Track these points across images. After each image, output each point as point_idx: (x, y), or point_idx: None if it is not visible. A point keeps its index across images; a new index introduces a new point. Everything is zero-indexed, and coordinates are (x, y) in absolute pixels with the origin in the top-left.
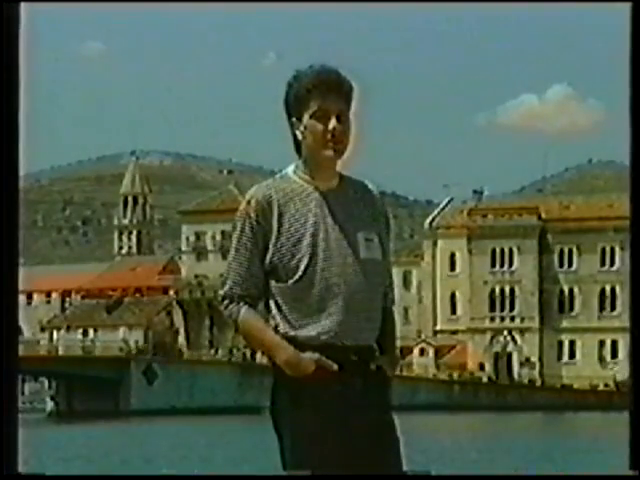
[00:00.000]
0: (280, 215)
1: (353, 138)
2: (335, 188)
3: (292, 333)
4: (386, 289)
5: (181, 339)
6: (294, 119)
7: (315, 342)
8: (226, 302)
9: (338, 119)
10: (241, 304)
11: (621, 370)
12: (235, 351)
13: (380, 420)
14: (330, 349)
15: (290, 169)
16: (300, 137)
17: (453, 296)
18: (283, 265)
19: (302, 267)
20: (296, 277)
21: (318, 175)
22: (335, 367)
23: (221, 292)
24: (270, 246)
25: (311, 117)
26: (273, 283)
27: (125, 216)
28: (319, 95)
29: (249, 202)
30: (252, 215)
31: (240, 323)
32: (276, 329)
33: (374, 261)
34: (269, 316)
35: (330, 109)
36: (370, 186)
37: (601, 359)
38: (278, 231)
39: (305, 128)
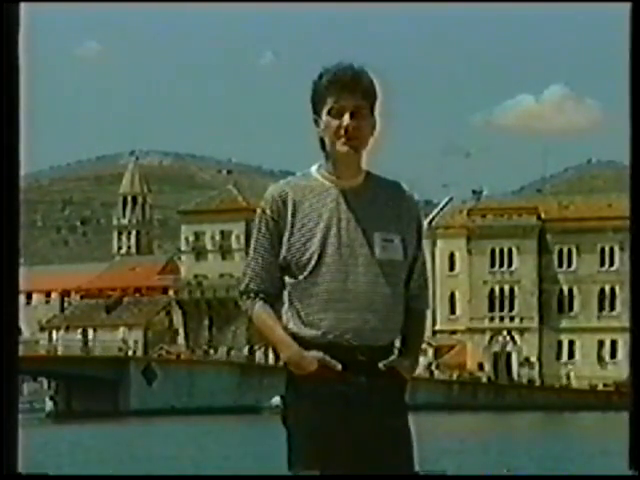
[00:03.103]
0: (294, 211)
1: (377, 135)
2: (357, 186)
3: (300, 331)
4: (417, 291)
5: (180, 339)
6: (316, 116)
7: (320, 341)
8: (244, 297)
9: (352, 115)
10: (256, 300)
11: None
12: (234, 351)
13: (385, 421)
14: (336, 348)
15: (314, 167)
16: (321, 134)
17: (452, 296)
18: (295, 261)
19: (312, 264)
20: (305, 273)
21: (339, 172)
22: (339, 367)
23: (240, 288)
24: (284, 242)
25: (328, 114)
26: (287, 279)
27: (124, 216)
28: (334, 92)
29: (266, 200)
30: (267, 212)
31: (254, 318)
32: (287, 326)
33: (392, 262)
34: (282, 312)
35: (344, 105)
36: (403, 187)
37: (600, 359)
38: (291, 227)
39: (325, 125)
